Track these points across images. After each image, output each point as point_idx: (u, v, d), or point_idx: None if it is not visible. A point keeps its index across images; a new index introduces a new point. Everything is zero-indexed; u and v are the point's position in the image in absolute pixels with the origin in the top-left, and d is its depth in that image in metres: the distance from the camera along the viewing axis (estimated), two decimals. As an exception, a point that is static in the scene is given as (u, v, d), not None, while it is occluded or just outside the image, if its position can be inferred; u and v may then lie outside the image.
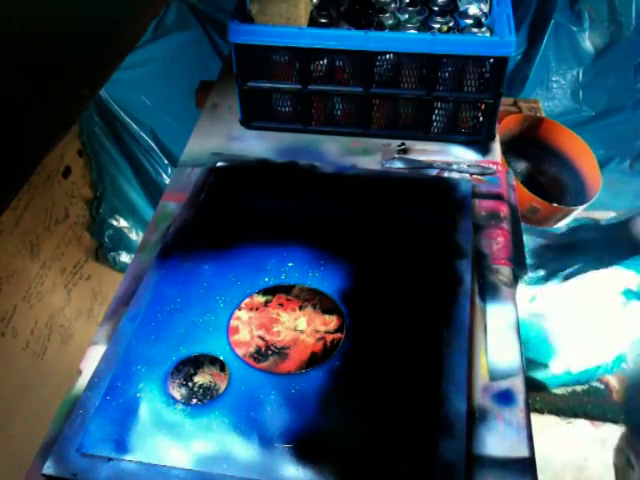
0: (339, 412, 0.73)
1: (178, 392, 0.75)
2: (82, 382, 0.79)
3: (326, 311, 0.85)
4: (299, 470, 0.68)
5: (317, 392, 0.75)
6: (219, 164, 1.10)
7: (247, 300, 0.86)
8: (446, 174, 1.09)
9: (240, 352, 0.80)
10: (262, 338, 0.82)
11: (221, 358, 0.79)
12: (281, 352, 0.80)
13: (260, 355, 0.80)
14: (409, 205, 1.03)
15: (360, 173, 1.09)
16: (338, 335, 0.82)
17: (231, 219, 1.00)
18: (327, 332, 0.82)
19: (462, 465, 0.68)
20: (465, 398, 0.74)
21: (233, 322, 0.83)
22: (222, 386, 0.76)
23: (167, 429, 0.72)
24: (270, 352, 0.80)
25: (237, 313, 0.85)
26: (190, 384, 0.76)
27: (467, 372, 0.77)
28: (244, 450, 0.70)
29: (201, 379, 0.77)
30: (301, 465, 0.68)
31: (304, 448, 0.70)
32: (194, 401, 0.75)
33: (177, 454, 0.70)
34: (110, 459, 0.69)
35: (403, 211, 1.02)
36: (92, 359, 0.82)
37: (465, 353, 0.79)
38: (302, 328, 0.83)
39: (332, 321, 0.84)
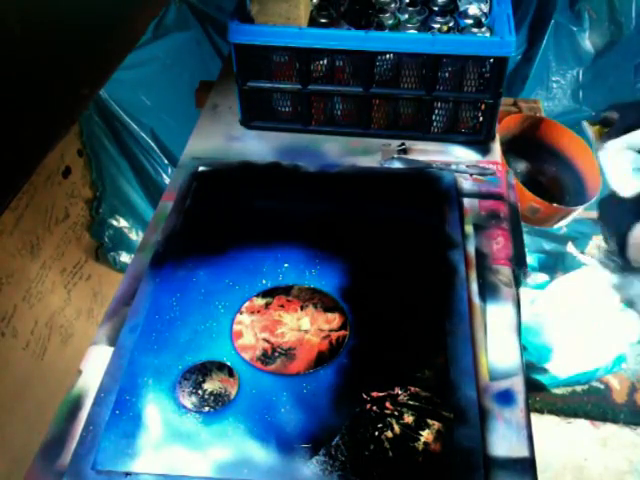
0: (353, 408, 0.74)
1: (189, 401, 0.75)
2: (82, 382, 0.79)
3: (327, 309, 0.85)
4: (320, 469, 0.68)
5: (329, 390, 0.76)
6: (201, 168, 1.09)
7: (247, 304, 0.86)
8: (446, 174, 1.09)
9: (247, 356, 0.80)
10: (267, 340, 0.81)
11: (228, 363, 0.79)
12: (288, 353, 0.80)
13: (267, 358, 0.79)
14: (396, 200, 1.04)
15: (343, 170, 1.09)
16: (343, 332, 0.82)
17: (220, 223, 1.00)
18: (331, 330, 0.82)
19: (480, 451, 0.69)
20: (474, 385, 0.75)
21: (236, 326, 0.83)
22: (233, 391, 0.76)
23: (182, 439, 0.71)
24: (277, 354, 0.80)
25: (239, 317, 0.84)
26: (200, 392, 0.76)
27: (473, 360, 0.78)
28: (263, 454, 0.70)
29: (211, 386, 0.76)
30: (321, 464, 0.68)
31: (322, 447, 0.70)
32: (206, 409, 0.74)
33: (196, 463, 0.69)
34: (128, 474, 0.69)
35: (391, 206, 1.02)
36: (92, 359, 0.82)
37: (469, 341, 0.80)
38: (306, 328, 0.83)
39: (335, 319, 0.84)
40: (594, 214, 1.81)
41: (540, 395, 1.85)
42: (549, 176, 1.66)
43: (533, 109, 1.58)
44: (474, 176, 1.09)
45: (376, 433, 0.71)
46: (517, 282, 0.94)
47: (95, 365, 0.81)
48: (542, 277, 1.97)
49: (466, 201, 1.04)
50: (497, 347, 0.82)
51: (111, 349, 0.82)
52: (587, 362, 1.83)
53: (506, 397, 0.76)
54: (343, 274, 0.90)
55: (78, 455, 0.71)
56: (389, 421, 0.72)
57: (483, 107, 1.12)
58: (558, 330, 1.83)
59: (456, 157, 1.14)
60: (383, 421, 0.72)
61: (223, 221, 1.00)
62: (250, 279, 0.89)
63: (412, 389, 0.75)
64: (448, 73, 1.07)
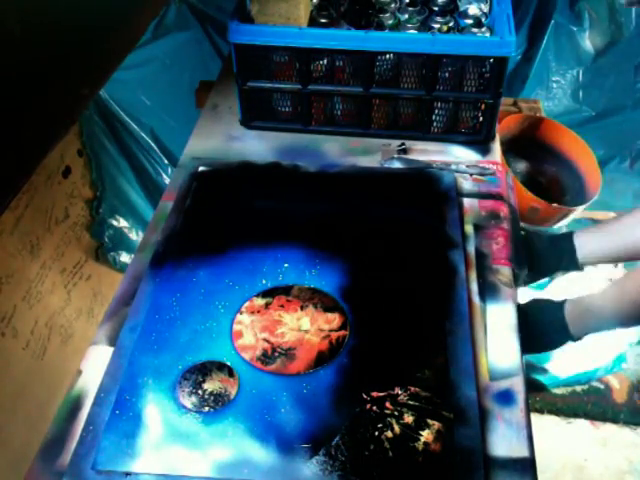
0: (353, 408, 0.74)
1: (189, 401, 0.75)
2: (82, 382, 0.79)
3: (327, 309, 0.85)
4: (320, 469, 0.68)
5: (329, 390, 0.76)
6: (201, 168, 1.09)
7: (247, 304, 0.86)
8: (446, 174, 1.09)
9: (247, 356, 0.80)
10: (267, 340, 0.82)
11: (228, 363, 0.79)
12: (288, 353, 0.80)
13: (267, 358, 0.80)
14: (396, 200, 1.04)
15: (343, 170, 1.09)
16: (343, 332, 0.82)
17: (220, 223, 1.00)
18: (331, 330, 0.82)
19: (480, 451, 0.69)
20: (474, 385, 0.75)
21: (236, 326, 0.83)
22: (233, 391, 0.76)
23: (182, 439, 0.71)
24: (277, 354, 0.80)
25: (239, 317, 0.84)
26: (200, 392, 0.76)
27: (473, 360, 0.79)
28: (263, 454, 0.70)
29: (211, 386, 0.76)
30: (321, 464, 0.68)
31: (322, 447, 0.70)
32: (206, 409, 0.74)
33: (196, 463, 0.69)
34: (127, 474, 0.69)
35: (391, 206, 1.02)
36: (92, 359, 0.82)
37: (469, 341, 0.80)
38: (306, 328, 0.83)
39: (335, 319, 0.84)
40: (594, 214, 1.81)
41: (540, 395, 1.85)
42: (549, 176, 1.66)
43: (533, 109, 1.58)
44: (474, 176, 1.09)
45: (376, 433, 0.71)
46: (516, 281, 0.94)
47: (95, 365, 0.81)
48: (542, 277, 1.96)
49: (466, 201, 1.04)
50: (497, 347, 0.82)
51: (111, 349, 0.82)
52: (587, 362, 1.83)
53: (506, 397, 0.76)
54: (343, 274, 0.90)
55: (78, 455, 0.71)
56: (389, 421, 0.72)
57: (483, 107, 1.12)
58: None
59: (456, 157, 1.14)
60: (383, 421, 0.72)
61: (223, 221, 1.00)
62: (250, 279, 0.89)
63: (412, 389, 0.75)
64: (448, 73, 1.07)
